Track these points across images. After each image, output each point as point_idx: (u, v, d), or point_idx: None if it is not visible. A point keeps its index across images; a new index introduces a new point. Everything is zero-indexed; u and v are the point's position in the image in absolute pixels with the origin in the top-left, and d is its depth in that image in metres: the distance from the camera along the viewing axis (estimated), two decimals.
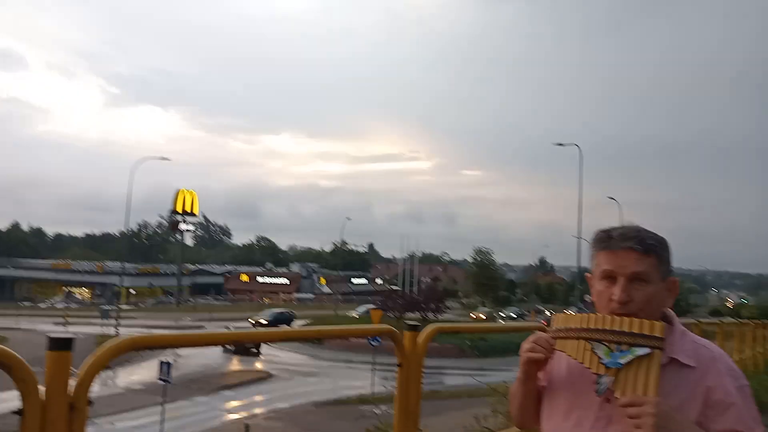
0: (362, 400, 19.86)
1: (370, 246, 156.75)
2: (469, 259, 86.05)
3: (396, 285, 72.21)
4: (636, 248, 1.42)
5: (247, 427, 6.99)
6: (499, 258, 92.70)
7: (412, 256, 76.05)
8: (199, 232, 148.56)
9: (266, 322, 41.65)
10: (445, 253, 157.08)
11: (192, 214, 76.43)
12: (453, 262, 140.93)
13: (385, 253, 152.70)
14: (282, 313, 46.77)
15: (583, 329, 1.43)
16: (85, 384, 1.41)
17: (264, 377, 26.44)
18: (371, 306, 50.61)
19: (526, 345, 1.51)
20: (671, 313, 1.52)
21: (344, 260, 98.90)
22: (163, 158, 44.17)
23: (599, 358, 1.39)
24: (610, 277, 1.45)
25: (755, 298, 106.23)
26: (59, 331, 30.15)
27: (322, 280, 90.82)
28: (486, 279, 76.30)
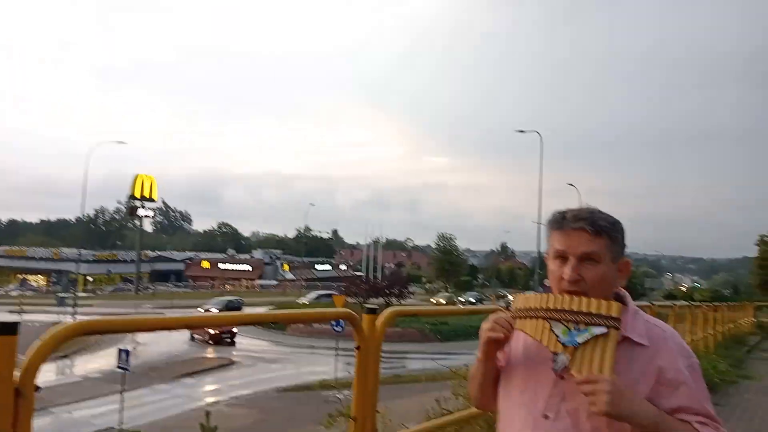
0: (325, 385, 19.84)
1: (335, 232, 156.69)
2: (433, 245, 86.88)
3: (360, 271, 72.33)
4: (587, 229, 1.44)
5: (207, 414, 6.87)
6: (462, 244, 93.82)
7: (376, 242, 76.20)
8: (159, 218, 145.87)
9: (216, 311, 41.42)
10: (409, 239, 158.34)
11: (151, 200, 74.92)
12: (417, 248, 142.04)
13: (349, 240, 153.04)
14: (231, 301, 46.48)
15: (542, 309, 1.45)
16: (31, 369, 1.37)
17: (226, 364, 26.22)
18: (322, 292, 50.65)
19: (486, 325, 1.53)
20: (625, 293, 1.55)
21: (308, 246, 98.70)
22: (120, 142, 43.23)
23: (557, 336, 1.42)
24: (562, 257, 1.47)
25: (708, 282, 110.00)
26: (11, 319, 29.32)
27: (286, 267, 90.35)
28: (449, 264, 77.25)
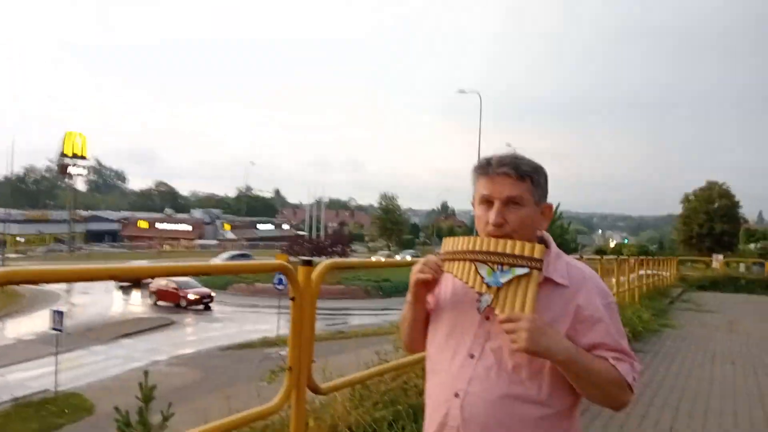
0: (267, 342, 19.95)
1: (276, 192, 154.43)
2: (376, 205, 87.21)
3: (303, 230, 71.99)
4: (511, 173, 1.48)
5: (146, 373, 6.80)
6: (404, 203, 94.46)
7: (318, 202, 75.81)
8: (92, 177, 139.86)
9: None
10: (352, 198, 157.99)
11: (82, 157, 71.72)
12: (360, 208, 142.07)
13: (292, 199, 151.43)
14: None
15: (469, 251, 1.49)
16: None
17: (166, 324, 25.89)
18: (235, 252, 50.10)
19: (416, 267, 1.57)
20: (548, 235, 1.61)
21: (249, 206, 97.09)
22: (49, 96, 40.84)
23: (482, 277, 1.46)
24: (487, 202, 1.51)
25: (636, 239, 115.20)
26: None
27: (227, 226, 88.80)
28: (391, 223, 77.93)
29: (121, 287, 35.57)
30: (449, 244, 1.57)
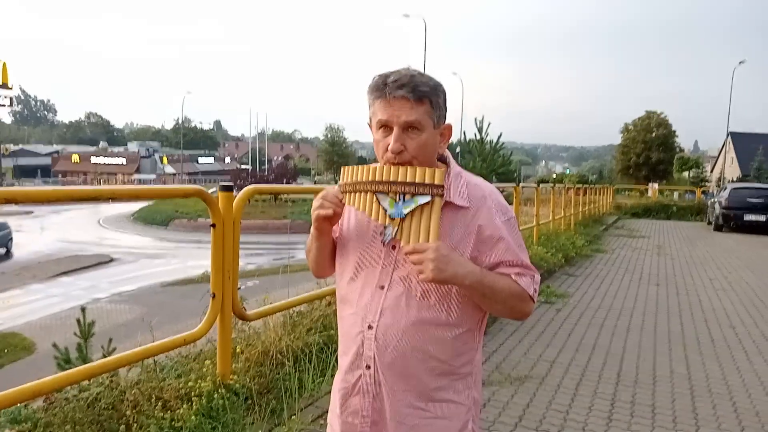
0: (208, 277, 19.79)
1: (217, 123, 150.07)
2: (321, 137, 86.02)
3: (246, 164, 70.63)
4: (408, 96, 1.41)
5: (83, 309, 6.68)
6: (350, 136, 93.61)
7: (262, 134, 74.18)
8: (17, 108, 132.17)
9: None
10: (297, 131, 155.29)
11: (4, 86, 67.28)
12: (305, 140, 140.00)
13: (233, 132, 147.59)
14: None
15: (369, 182, 1.44)
16: None
17: (105, 261, 25.29)
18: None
19: (315, 202, 1.51)
20: (448, 154, 1.57)
21: (188, 138, 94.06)
22: None
23: (384, 209, 1.43)
24: (386, 126, 1.45)
25: (577, 169, 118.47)
26: None
27: (165, 160, 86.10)
28: (337, 156, 77.18)
29: None
30: (348, 173, 1.51)
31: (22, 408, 2.47)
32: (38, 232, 32.44)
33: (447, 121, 1.52)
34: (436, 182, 1.40)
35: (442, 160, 1.54)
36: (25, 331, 15.45)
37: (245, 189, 2.56)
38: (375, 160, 1.52)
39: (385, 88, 1.43)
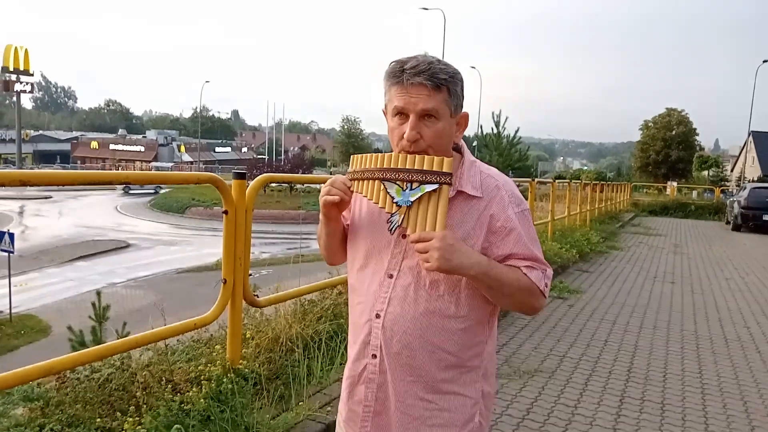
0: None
1: (235, 113, 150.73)
2: (338, 128, 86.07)
3: (263, 154, 70.87)
4: (426, 83, 1.38)
5: (98, 293, 6.78)
6: (367, 128, 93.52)
7: (279, 125, 74.33)
8: (39, 94, 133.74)
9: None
10: (314, 122, 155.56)
11: (26, 72, 68.03)
12: (322, 131, 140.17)
13: (251, 121, 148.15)
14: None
15: (377, 169, 1.43)
16: None
17: (123, 247, 25.58)
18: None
19: (323, 189, 1.51)
20: (463, 144, 1.55)
21: (205, 127, 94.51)
22: None
23: (392, 197, 1.41)
24: (401, 114, 1.43)
25: (595, 165, 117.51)
26: None
27: (182, 149, 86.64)
28: (353, 148, 77.15)
29: None
30: (357, 162, 1.50)
31: (35, 386, 2.52)
32: (56, 217, 32.89)
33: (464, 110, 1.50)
34: (445, 170, 1.37)
35: (457, 149, 1.52)
36: (41, 313, 15.71)
37: (258, 177, 2.58)
38: (391, 152, 1.50)
39: (402, 74, 1.41)
